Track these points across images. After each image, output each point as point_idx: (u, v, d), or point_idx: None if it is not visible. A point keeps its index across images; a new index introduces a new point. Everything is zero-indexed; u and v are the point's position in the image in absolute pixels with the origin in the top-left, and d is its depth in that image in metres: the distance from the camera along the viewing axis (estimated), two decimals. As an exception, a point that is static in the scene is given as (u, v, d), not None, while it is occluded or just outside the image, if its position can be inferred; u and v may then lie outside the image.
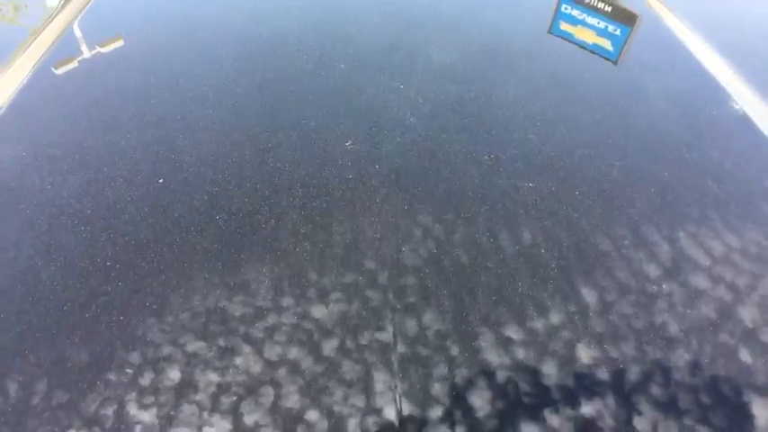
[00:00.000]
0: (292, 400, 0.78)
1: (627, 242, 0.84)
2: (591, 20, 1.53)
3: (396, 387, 0.75)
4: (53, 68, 1.24)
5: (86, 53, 1.29)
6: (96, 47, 1.35)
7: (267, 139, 0.97)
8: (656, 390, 0.77)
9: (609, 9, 1.58)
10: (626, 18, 1.55)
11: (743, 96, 1.25)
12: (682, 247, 0.87)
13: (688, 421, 0.74)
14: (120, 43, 1.35)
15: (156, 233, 0.85)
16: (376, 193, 0.83)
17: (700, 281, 0.87)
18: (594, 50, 1.47)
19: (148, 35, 1.35)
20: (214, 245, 0.81)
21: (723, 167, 0.99)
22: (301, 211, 0.80)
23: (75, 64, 1.27)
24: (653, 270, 0.83)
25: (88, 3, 1.56)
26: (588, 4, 1.58)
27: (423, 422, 0.74)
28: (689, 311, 0.83)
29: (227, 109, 1.05)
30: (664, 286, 0.83)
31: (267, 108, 1.05)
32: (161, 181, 0.89)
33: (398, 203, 0.82)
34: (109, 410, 0.78)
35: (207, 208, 0.85)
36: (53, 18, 1.47)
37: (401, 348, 0.72)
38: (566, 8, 1.56)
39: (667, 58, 1.40)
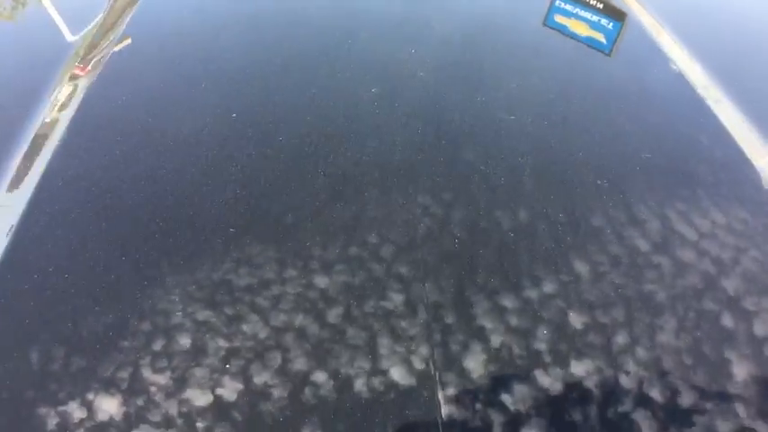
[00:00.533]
0: (299, 363, 0.82)
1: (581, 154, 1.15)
2: (584, 13, 1.58)
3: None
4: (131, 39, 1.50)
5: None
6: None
7: (310, 86, 1.27)
8: (642, 352, 0.82)
9: (601, 6, 1.64)
10: (616, 14, 1.61)
11: (698, 79, 1.39)
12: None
13: (671, 379, 0.79)
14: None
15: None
16: (397, 121, 1.18)
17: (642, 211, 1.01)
18: (588, 43, 1.53)
19: (208, 17, 1.63)
20: (280, 155, 1.11)
21: (652, 113, 1.28)
22: (341, 130, 1.16)
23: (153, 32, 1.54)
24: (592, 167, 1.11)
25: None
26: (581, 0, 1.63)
27: (423, 382, 0.79)
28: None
29: (276, 67, 1.36)
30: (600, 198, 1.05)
31: (307, 66, 1.35)
32: (234, 115, 1.19)
33: (414, 127, 1.17)
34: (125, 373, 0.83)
35: (270, 131, 1.16)
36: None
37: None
38: (560, 3, 1.62)
39: (635, 45, 1.57)
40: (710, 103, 1.30)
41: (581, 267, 0.93)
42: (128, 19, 1.59)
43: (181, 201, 1.04)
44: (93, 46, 1.52)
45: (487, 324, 0.85)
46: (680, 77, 1.39)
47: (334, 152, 1.08)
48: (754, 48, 1.63)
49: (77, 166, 1.10)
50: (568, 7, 1.61)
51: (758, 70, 1.51)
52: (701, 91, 1.34)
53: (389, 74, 1.31)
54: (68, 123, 1.21)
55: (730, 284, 0.91)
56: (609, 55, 1.49)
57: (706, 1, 1.90)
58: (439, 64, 1.37)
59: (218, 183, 1.06)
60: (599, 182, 1.07)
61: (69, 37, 1.60)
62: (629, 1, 1.72)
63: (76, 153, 1.13)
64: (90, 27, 1.60)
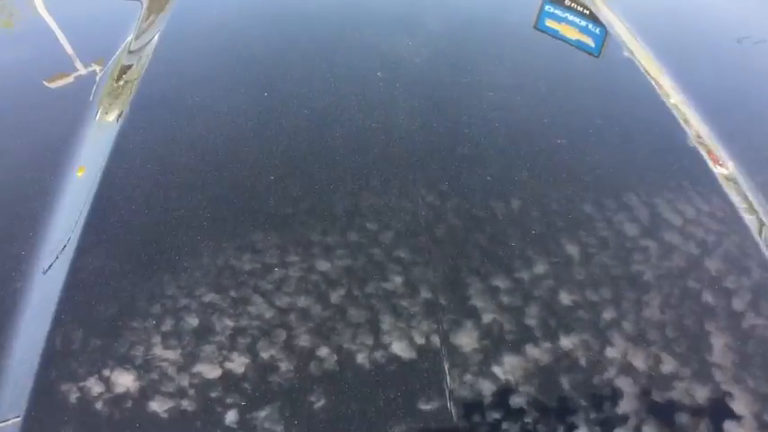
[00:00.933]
0: (304, 340, 0.87)
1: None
2: (573, 18, 1.66)
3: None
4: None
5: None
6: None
7: (326, 71, 1.51)
8: (627, 326, 0.87)
9: (587, 12, 1.71)
10: (599, 20, 1.68)
11: (667, 88, 1.49)
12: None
13: (654, 350, 0.84)
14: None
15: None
16: (399, 97, 1.41)
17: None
18: (578, 46, 1.59)
19: (237, 17, 1.85)
20: (304, 125, 1.32)
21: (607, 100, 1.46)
22: (352, 103, 1.39)
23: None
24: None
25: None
26: (568, 6, 1.71)
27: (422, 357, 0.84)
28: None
29: (297, 58, 1.60)
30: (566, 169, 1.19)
31: (322, 56, 1.59)
32: (266, 94, 1.42)
33: (412, 103, 1.39)
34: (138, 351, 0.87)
35: (295, 104, 1.39)
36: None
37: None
38: (549, 8, 1.69)
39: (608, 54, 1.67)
40: (677, 112, 1.39)
41: (572, 250, 0.98)
42: (163, 26, 1.74)
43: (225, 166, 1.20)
44: (140, 43, 1.69)
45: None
46: (649, 84, 1.48)
47: (349, 121, 1.33)
48: (716, 57, 1.74)
49: (142, 138, 1.29)
50: (558, 12, 1.68)
51: (723, 81, 1.60)
52: (671, 100, 1.42)
53: (392, 61, 1.57)
54: (128, 105, 1.40)
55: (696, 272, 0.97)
56: (598, 57, 1.56)
57: (678, 10, 1.99)
58: (433, 53, 1.63)
59: (254, 151, 1.24)
60: (559, 140, 1.27)
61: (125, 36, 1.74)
62: (604, 11, 1.80)
63: (139, 128, 1.32)
64: (136, 24, 1.78)
